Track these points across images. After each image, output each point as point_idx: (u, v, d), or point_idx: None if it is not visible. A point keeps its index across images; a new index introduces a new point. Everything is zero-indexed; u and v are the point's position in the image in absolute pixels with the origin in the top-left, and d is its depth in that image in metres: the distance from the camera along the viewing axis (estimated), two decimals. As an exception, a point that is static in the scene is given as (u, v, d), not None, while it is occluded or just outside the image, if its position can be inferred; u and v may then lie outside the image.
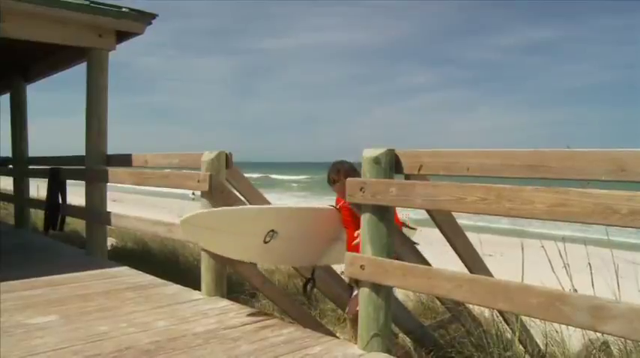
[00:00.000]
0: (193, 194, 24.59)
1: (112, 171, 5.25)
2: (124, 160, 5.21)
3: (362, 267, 2.71)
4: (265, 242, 3.27)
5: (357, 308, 3.20)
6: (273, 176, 62.49)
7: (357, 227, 2.99)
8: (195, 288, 3.96)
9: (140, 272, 4.68)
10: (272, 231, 3.28)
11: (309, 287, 3.60)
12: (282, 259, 3.66)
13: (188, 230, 3.36)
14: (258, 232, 3.29)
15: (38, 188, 9.09)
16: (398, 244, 2.92)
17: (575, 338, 3.09)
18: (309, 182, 53.88)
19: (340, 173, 3.38)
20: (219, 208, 3.39)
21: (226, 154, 3.88)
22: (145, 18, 5.32)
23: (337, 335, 3.77)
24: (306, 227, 3.45)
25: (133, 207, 18.43)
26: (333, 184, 3.46)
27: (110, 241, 6.65)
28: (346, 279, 3.58)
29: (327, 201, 3.94)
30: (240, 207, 3.52)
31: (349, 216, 3.34)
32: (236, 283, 4.81)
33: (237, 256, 3.43)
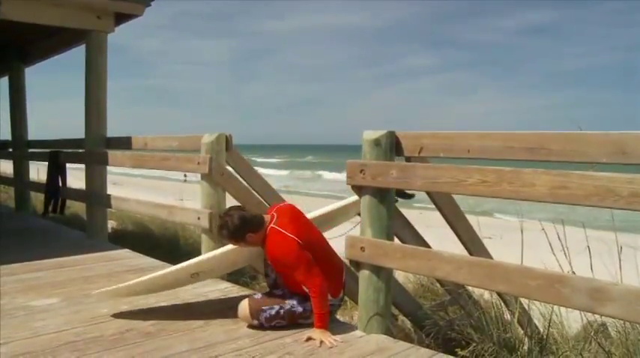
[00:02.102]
0: (185, 176, 24.55)
1: (112, 153, 5.24)
2: (124, 143, 5.20)
3: (362, 248, 2.72)
4: (192, 277, 3.20)
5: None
6: (254, 158, 63.57)
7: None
8: (195, 271, 3.97)
9: (141, 254, 4.70)
10: (195, 273, 3.18)
11: None
12: (217, 273, 3.59)
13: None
14: (182, 280, 3.26)
15: (38, 171, 9.09)
16: (398, 227, 2.92)
17: (573, 320, 3.11)
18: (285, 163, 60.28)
19: (233, 236, 2.78)
20: (132, 285, 3.11)
21: (226, 136, 3.86)
22: (144, -1, 5.27)
23: (337, 317, 3.79)
24: (224, 263, 3.26)
25: (132, 189, 18.41)
26: (238, 245, 2.87)
27: (110, 224, 6.66)
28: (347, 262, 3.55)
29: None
30: (149, 280, 3.15)
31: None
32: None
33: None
